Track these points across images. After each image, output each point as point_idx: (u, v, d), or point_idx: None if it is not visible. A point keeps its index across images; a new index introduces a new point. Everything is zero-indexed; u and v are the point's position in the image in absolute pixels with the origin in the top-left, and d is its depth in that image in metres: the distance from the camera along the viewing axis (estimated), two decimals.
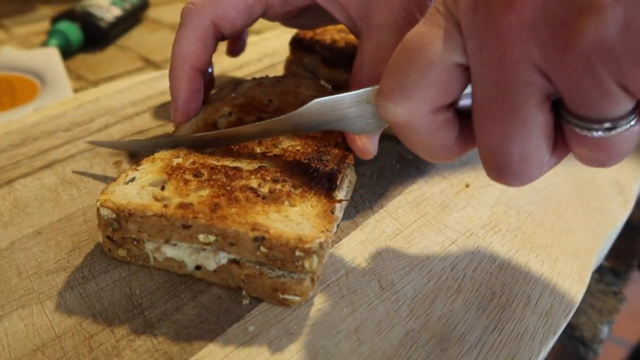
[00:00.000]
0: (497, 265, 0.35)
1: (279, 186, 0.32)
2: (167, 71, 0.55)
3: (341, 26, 0.55)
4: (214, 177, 0.32)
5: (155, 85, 0.51)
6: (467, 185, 0.42)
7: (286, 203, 0.31)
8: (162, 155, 0.35)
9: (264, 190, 0.32)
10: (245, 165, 0.34)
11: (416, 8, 0.37)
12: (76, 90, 0.56)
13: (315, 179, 0.33)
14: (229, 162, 0.34)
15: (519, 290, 0.33)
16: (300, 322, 0.30)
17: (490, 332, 0.30)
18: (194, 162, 0.34)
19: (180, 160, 0.34)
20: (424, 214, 0.38)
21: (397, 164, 0.43)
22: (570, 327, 0.40)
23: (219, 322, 0.30)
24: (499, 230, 0.38)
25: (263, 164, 0.34)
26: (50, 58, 0.58)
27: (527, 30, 0.22)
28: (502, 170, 0.26)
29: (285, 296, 0.30)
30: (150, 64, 0.63)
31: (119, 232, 0.30)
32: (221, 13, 0.37)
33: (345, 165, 0.35)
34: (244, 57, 0.57)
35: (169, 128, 0.45)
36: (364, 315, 0.31)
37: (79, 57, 0.63)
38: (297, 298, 0.30)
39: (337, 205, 0.33)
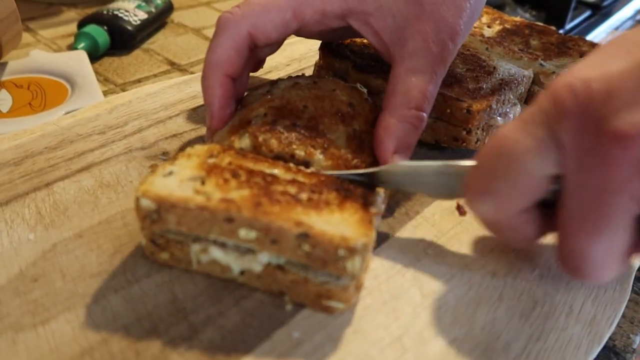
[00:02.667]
0: (537, 274, 0.35)
1: (316, 196, 0.32)
2: (194, 75, 0.56)
3: None
4: (252, 179, 0.32)
5: (185, 89, 0.51)
6: None
7: (325, 210, 0.31)
8: (197, 152, 0.35)
9: (303, 197, 0.31)
10: (280, 174, 0.34)
11: (447, 36, 0.38)
12: (104, 93, 0.56)
13: (351, 196, 0.33)
14: (265, 168, 0.34)
15: (561, 299, 0.33)
16: (344, 328, 0.30)
17: (535, 341, 0.30)
18: (230, 163, 0.34)
19: (215, 159, 0.34)
20: (461, 220, 0.38)
21: None
22: None
23: (263, 328, 0.30)
24: None
25: (297, 177, 0.34)
26: (79, 61, 0.58)
27: (635, 168, 0.24)
28: (579, 271, 0.28)
29: (329, 303, 0.30)
30: (176, 67, 0.63)
31: (157, 224, 0.30)
32: (259, 25, 0.38)
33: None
34: (271, 61, 0.57)
35: (203, 131, 0.45)
36: (407, 323, 0.31)
37: (105, 60, 0.63)
38: (341, 305, 0.30)
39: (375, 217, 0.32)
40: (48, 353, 0.27)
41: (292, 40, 0.64)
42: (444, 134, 0.45)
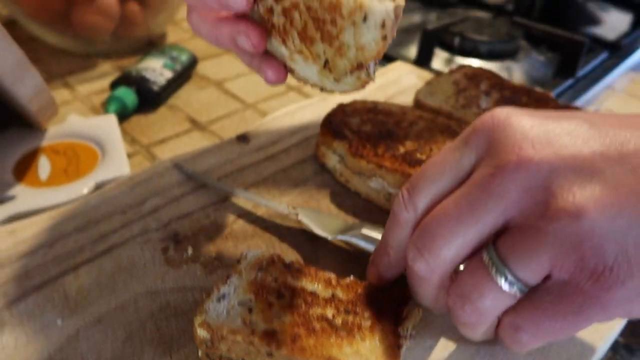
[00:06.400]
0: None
1: (350, 318, 0.36)
2: (206, 146, 0.61)
3: (369, 105, 0.59)
4: (294, 301, 0.37)
5: (200, 163, 0.56)
6: None
7: (357, 336, 0.35)
8: (247, 265, 0.39)
9: (338, 321, 0.36)
10: (320, 290, 0.38)
11: None
12: (130, 155, 0.63)
13: (383, 312, 0.37)
14: (306, 284, 0.39)
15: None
16: None
17: None
18: (276, 280, 0.38)
19: (263, 274, 0.39)
20: None
21: None
22: None
23: None
24: None
25: (336, 292, 0.38)
26: (109, 126, 0.64)
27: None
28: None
29: None
30: (197, 125, 0.69)
31: (211, 349, 0.35)
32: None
33: (411, 298, 0.38)
34: (279, 129, 0.62)
35: (211, 210, 0.50)
36: None
37: (133, 119, 0.69)
38: None
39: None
40: None
41: (302, 103, 0.69)
42: None
